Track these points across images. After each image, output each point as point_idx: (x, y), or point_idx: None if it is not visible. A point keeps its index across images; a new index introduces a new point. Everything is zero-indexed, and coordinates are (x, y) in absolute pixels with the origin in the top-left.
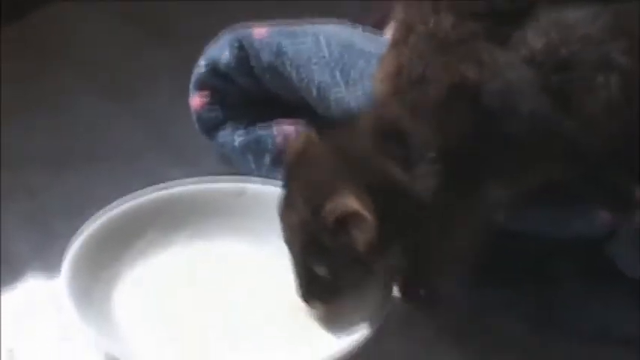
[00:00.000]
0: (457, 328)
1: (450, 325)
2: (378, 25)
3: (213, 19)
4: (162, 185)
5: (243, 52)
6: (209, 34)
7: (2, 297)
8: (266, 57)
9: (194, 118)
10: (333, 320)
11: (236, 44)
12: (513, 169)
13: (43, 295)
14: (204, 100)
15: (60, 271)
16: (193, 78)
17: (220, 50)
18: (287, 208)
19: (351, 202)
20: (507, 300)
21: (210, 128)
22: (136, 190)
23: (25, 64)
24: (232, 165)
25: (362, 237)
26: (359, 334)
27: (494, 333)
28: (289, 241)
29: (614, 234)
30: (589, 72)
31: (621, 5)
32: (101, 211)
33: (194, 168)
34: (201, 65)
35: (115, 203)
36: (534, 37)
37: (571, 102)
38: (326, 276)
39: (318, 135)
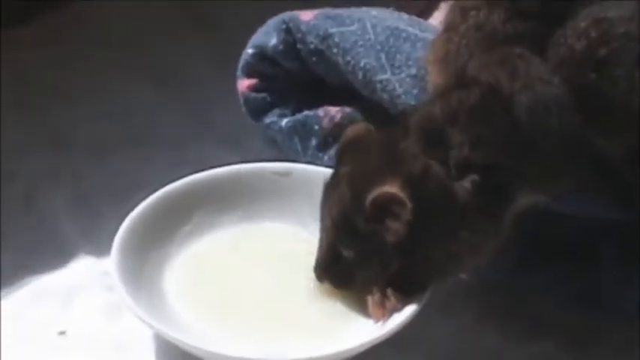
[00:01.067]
0: (498, 312)
1: (491, 308)
2: (422, 14)
3: (259, 6)
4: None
5: (290, 35)
6: (254, 21)
7: (52, 278)
8: (312, 40)
9: (241, 101)
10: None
11: (283, 27)
12: (544, 181)
13: (93, 276)
14: (252, 84)
15: (109, 252)
16: (241, 64)
17: (267, 35)
18: (330, 188)
19: (394, 190)
20: (549, 282)
21: (258, 111)
22: (181, 173)
23: (71, 49)
24: (279, 149)
25: (395, 226)
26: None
27: (536, 316)
28: (324, 219)
29: None
30: (628, 68)
31: None
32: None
33: (239, 152)
34: (249, 51)
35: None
36: (574, 38)
37: (607, 101)
38: (350, 259)
39: (374, 127)
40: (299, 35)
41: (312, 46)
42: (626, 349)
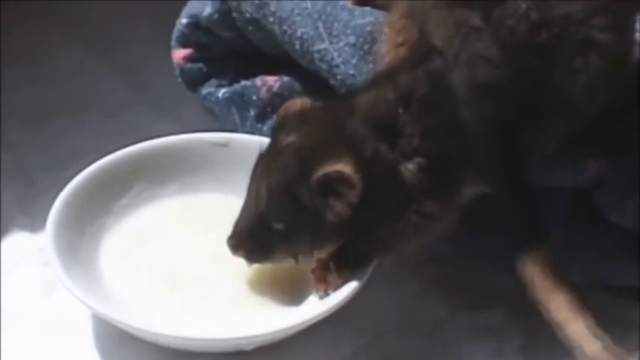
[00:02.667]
0: (445, 282)
1: (438, 278)
2: None
3: None
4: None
5: (225, 4)
6: None
7: None
8: (248, 9)
9: (177, 72)
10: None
11: None
12: (491, 164)
13: (27, 251)
14: (188, 54)
15: (45, 226)
16: (175, 34)
17: (202, 4)
18: (268, 157)
19: (348, 170)
20: (495, 251)
21: (194, 82)
22: (119, 142)
23: (4, 11)
24: (217, 119)
25: (339, 206)
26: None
27: (484, 286)
28: (256, 188)
29: (602, 184)
30: (568, 54)
31: None
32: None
33: (177, 121)
34: (183, 21)
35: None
36: (515, 19)
37: (550, 87)
38: (277, 232)
39: (314, 98)
40: (234, 4)
41: (247, 15)
42: None
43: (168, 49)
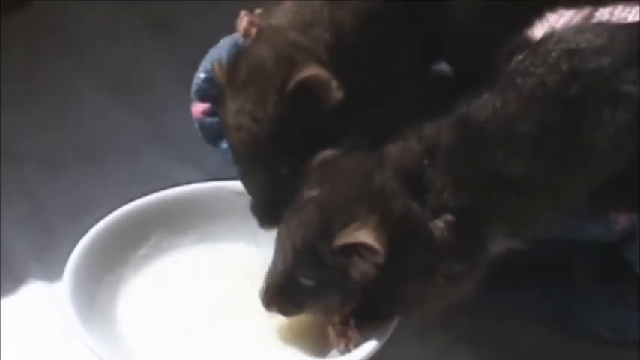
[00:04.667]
0: (472, 334)
1: (466, 330)
2: None
3: (215, 13)
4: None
5: None
6: (210, 29)
7: (2, 302)
8: None
9: (196, 126)
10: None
11: (235, 50)
12: (521, 219)
13: (44, 301)
14: (207, 109)
15: (62, 275)
16: (193, 88)
17: (219, 57)
18: (294, 211)
19: (367, 239)
20: (523, 304)
21: (214, 136)
22: (138, 189)
23: (21, 56)
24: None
25: (364, 267)
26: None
27: (511, 338)
28: (283, 242)
29: (631, 238)
30: (596, 106)
31: (636, 27)
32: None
33: (201, 168)
34: (201, 75)
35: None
36: (544, 69)
37: (578, 139)
38: (307, 288)
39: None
40: None
41: None
42: None
43: (188, 93)
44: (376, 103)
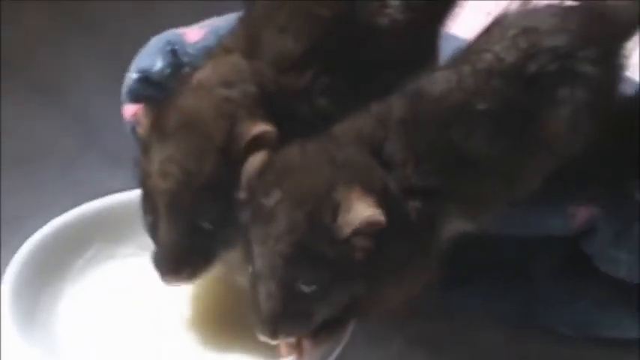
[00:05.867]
0: (430, 337)
1: (423, 334)
2: None
3: (143, 13)
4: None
5: (177, 58)
6: (138, 29)
7: None
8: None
9: (128, 129)
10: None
11: (168, 49)
12: (477, 199)
13: None
14: (137, 110)
15: None
16: (125, 89)
17: (151, 58)
18: (259, 227)
19: (375, 210)
20: (481, 304)
21: None
22: (70, 197)
23: None
24: None
25: (364, 243)
26: None
27: (470, 340)
28: (262, 261)
29: (590, 232)
30: (554, 86)
31: (589, 8)
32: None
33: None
34: (133, 76)
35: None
36: (502, 46)
37: (537, 121)
38: (311, 294)
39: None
40: (186, 59)
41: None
42: None
43: (117, 92)
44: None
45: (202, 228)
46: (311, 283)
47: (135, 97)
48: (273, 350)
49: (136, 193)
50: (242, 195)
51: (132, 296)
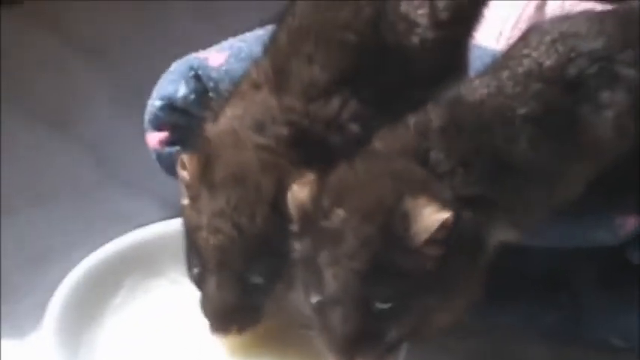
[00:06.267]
0: (478, 356)
1: (471, 353)
2: None
3: (149, 35)
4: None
5: (201, 83)
6: (144, 52)
7: None
8: (227, 87)
9: (154, 157)
10: None
11: (192, 75)
12: (521, 207)
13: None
14: (164, 138)
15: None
16: (148, 117)
17: (174, 84)
18: (326, 249)
19: (436, 211)
20: (528, 318)
21: (174, 166)
22: (95, 230)
23: None
24: None
25: (433, 251)
26: None
27: (519, 356)
28: (338, 279)
29: (636, 240)
30: (595, 89)
31: (624, 12)
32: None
33: (155, 198)
34: (156, 104)
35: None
36: (540, 51)
37: (579, 125)
38: (386, 312)
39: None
40: (211, 84)
41: (227, 94)
42: None
43: (131, 120)
44: None
45: (252, 282)
46: (388, 299)
47: (158, 125)
48: None
49: (164, 226)
50: (295, 226)
51: (172, 330)
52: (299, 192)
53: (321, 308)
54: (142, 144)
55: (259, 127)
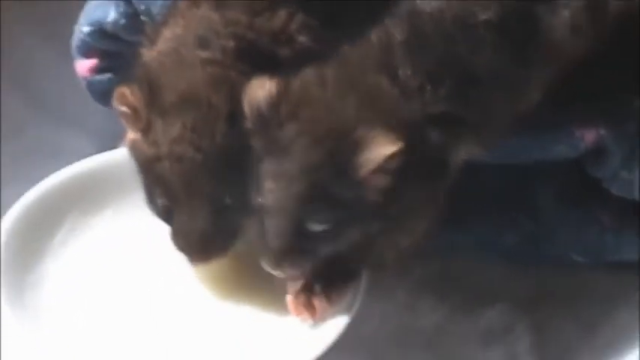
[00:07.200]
0: (437, 280)
1: (429, 277)
2: None
3: None
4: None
5: (131, 6)
6: None
7: None
8: (159, 10)
9: (84, 85)
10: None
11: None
12: (485, 119)
13: None
14: (94, 65)
15: None
16: (76, 43)
17: (103, 9)
18: (273, 161)
19: (395, 146)
20: (486, 239)
21: (105, 94)
22: (27, 163)
23: None
24: None
25: (381, 180)
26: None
27: (478, 278)
28: (278, 192)
29: (598, 155)
30: None
31: None
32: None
33: (86, 132)
34: (84, 29)
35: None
36: None
37: (539, 28)
38: (321, 234)
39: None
40: (142, 7)
41: (159, 17)
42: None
43: (58, 51)
44: None
45: (224, 205)
46: (322, 223)
47: (87, 52)
48: (286, 309)
49: (101, 158)
50: (250, 124)
51: (117, 266)
52: (256, 91)
53: (260, 211)
54: (69, 72)
55: (203, 43)
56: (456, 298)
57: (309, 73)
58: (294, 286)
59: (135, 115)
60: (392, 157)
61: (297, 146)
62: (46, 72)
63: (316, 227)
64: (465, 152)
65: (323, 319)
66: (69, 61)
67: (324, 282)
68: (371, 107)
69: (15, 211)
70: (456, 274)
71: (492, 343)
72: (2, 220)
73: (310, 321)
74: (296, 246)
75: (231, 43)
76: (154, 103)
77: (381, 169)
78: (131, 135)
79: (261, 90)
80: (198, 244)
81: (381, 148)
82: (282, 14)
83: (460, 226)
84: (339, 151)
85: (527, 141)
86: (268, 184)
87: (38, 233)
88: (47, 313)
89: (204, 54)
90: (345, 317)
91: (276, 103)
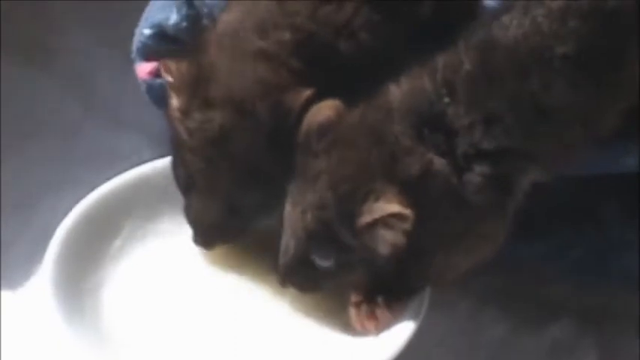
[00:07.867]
0: (500, 293)
1: (492, 291)
2: None
3: None
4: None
5: (194, 9)
6: None
7: None
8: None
9: (143, 89)
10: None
11: (184, 0)
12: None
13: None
14: (154, 68)
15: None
16: (136, 45)
17: (165, 12)
18: (302, 185)
19: (393, 208)
20: (553, 253)
21: (164, 97)
22: (85, 167)
23: None
24: None
25: (392, 237)
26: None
27: (541, 292)
28: (293, 220)
29: None
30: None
31: None
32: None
33: (144, 133)
34: (145, 32)
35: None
36: None
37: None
38: (327, 269)
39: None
40: (205, 9)
41: None
42: None
43: (115, 54)
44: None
45: (239, 205)
46: (325, 259)
47: (148, 54)
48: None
49: (158, 164)
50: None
51: (176, 274)
52: (317, 115)
53: (281, 222)
54: (127, 76)
55: (261, 29)
56: (521, 312)
57: (357, 111)
58: (356, 298)
59: (177, 91)
60: (401, 218)
61: (320, 182)
62: (104, 75)
63: (320, 262)
64: (533, 179)
65: (385, 330)
66: (127, 64)
67: (387, 293)
68: (391, 161)
69: (73, 216)
70: (520, 288)
71: (557, 358)
72: (60, 226)
73: (373, 332)
74: (301, 272)
75: (287, 35)
76: (198, 89)
77: (387, 223)
78: (173, 107)
79: (320, 114)
80: (205, 230)
81: (386, 206)
82: (348, 7)
83: (526, 240)
84: (351, 199)
85: (596, 154)
86: (288, 206)
87: (96, 239)
88: (106, 319)
89: (260, 43)
90: (409, 330)
91: (323, 131)
